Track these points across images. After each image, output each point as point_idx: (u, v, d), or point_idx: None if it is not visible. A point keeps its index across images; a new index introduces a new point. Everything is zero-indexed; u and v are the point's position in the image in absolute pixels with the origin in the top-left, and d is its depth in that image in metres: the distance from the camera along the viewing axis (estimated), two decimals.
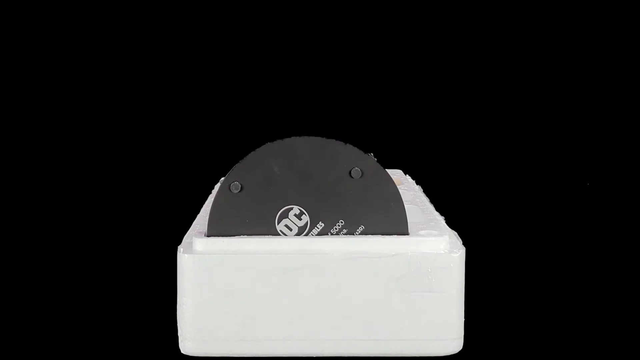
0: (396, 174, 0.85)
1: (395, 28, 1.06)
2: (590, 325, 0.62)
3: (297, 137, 0.55)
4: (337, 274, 0.54)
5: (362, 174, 0.55)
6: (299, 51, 1.06)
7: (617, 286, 0.71)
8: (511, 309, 0.65)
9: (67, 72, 1.03)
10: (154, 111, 1.05)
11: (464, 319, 0.55)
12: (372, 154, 0.57)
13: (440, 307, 0.54)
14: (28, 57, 1.03)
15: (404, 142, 1.04)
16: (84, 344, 0.58)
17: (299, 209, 0.55)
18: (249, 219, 0.55)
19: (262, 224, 0.55)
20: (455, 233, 0.59)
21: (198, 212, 0.66)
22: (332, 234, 0.56)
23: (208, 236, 0.55)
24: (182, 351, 0.55)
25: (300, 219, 0.56)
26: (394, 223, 0.55)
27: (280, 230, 0.56)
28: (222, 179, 0.58)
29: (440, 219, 0.63)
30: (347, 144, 0.55)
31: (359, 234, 0.55)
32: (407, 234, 0.55)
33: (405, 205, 0.56)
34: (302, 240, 0.55)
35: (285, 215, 0.55)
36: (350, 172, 0.55)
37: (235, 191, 0.55)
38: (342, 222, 0.55)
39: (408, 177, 0.85)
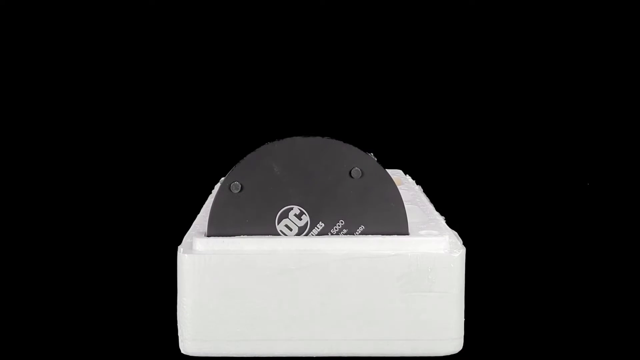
0: (396, 174, 0.85)
1: (395, 28, 1.06)
2: (590, 325, 0.62)
3: (297, 137, 0.55)
4: (337, 274, 0.54)
5: (362, 174, 0.55)
6: (299, 51, 1.06)
7: (617, 286, 0.71)
8: (511, 309, 0.65)
9: (67, 72, 1.04)
10: (154, 111, 1.05)
11: (464, 319, 0.55)
12: (372, 154, 0.57)
13: (441, 307, 0.54)
14: (28, 57, 1.03)
15: (404, 142, 1.04)
16: (84, 344, 0.58)
17: (299, 209, 0.55)
18: (249, 219, 0.55)
19: (262, 224, 0.55)
20: (455, 233, 0.59)
21: (198, 212, 0.66)
22: (332, 234, 0.56)
23: (208, 236, 0.55)
24: (182, 351, 0.55)
25: (301, 219, 0.56)
26: (394, 223, 0.55)
27: (280, 230, 0.56)
28: (222, 179, 0.58)
29: (440, 219, 0.63)
30: (347, 144, 0.55)
31: (359, 234, 0.55)
32: (407, 234, 0.55)
33: (405, 205, 0.56)
34: (302, 240, 0.55)
35: (285, 215, 0.56)
36: (350, 172, 0.55)
37: (235, 191, 0.55)
38: (342, 222, 0.55)
39: (408, 177, 0.85)
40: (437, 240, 0.55)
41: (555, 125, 1.04)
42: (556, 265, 0.77)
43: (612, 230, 0.87)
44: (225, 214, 0.55)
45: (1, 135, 1.03)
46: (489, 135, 1.05)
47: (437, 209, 0.69)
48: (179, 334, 0.55)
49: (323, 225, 0.56)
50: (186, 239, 0.57)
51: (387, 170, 0.56)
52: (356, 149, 0.55)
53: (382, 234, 0.55)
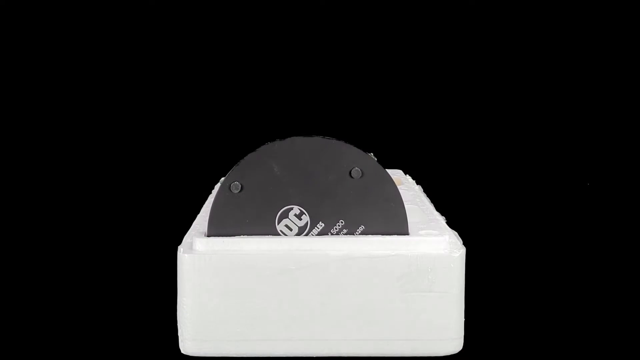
0: (396, 174, 0.85)
1: (395, 28, 1.06)
2: (590, 325, 0.62)
3: (297, 137, 0.55)
4: (337, 274, 0.54)
5: (362, 174, 0.55)
6: (299, 51, 1.06)
7: (617, 286, 0.71)
8: (511, 309, 0.65)
9: (67, 72, 1.04)
10: (154, 111, 1.05)
11: (464, 319, 0.55)
12: (372, 154, 0.57)
13: (441, 307, 0.54)
14: (28, 57, 1.03)
15: (404, 142, 1.04)
16: (84, 344, 0.58)
17: (299, 209, 0.55)
18: (249, 219, 0.55)
19: (262, 224, 0.55)
20: (456, 233, 0.59)
21: (198, 212, 0.66)
22: (332, 234, 0.56)
23: (208, 236, 0.55)
24: (182, 351, 0.55)
25: (301, 219, 0.56)
26: (394, 223, 0.55)
27: (280, 230, 0.56)
28: (222, 179, 0.58)
29: (441, 219, 0.63)
30: (347, 144, 0.55)
31: (359, 234, 0.55)
32: (407, 234, 0.55)
33: (405, 205, 0.56)
34: (302, 240, 0.55)
35: (285, 215, 0.56)
36: (350, 172, 0.55)
37: (235, 191, 0.55)
38: (342, 222, 0.55)
39: (408, 177, 0.85)
40: (437, 240, 0.55)
41: (555, 125, 1.04)
42: (556, 265, 0.77)
43: (612, 230, 0.87)
44: (225, 214, 0.55)
45: (1, 135, 1.03)
46: (489, 135, 1.05)
47: (437, 209, 0.69)
48: (179, 334, 0.55)
49: (323, 225, 0.56)
50: (186, 239, 0.57)
51: (387, 170, 0.56)
52: (356, 149, 0.55)
53: (382, 234, 0.55)
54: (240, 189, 0.55)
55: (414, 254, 0.54)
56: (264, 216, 0.55)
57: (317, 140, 0.55)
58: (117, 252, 0.80)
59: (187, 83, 1.05)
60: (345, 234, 0.56)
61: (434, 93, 1.06)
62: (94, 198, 0.98)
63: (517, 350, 0.57)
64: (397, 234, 0.55)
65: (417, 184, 0.82)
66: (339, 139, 0.55)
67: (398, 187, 0.56)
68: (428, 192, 0.79)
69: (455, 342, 0.55)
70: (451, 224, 0.63)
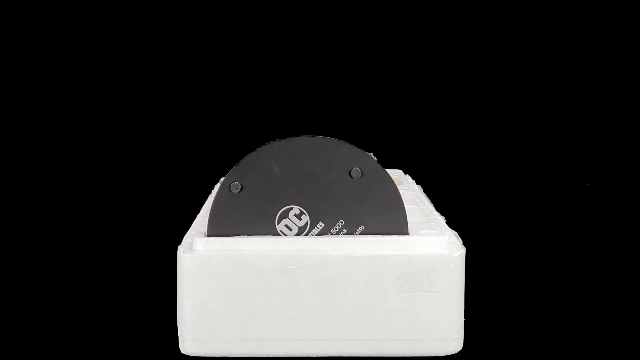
0: (396, 174, 0.85)
1: (395, 28, 1.06)
2: (590, 324, 0.62)
3: (297, 137, 0.55)
4: (337, 274, 0.54)
5: (362, 174, 0.55)
6: (299, 51, 1.06)
7: (617, 286, 0.71)
8: (511, 309, 0.65)
9: (67, 72, 1.04)
10: (154, 111, 1.05)
11: (464, 319, 0.55)
12: (372, 154, 0.57)
13: (440, 307, 0.54)
14: (28, 57, 1.03)
15: (404, 142, 1.04)
16: (84, 344, 0.58)
17: (299, 209, 0.55)
18: (249, 219, 0.55)
19: (262, 224, 0.55)
20: (455, 233, 0.59)
21: (198, 212, 0.66)
22: (332, 234, 0.56)
23: (208, 236, 0.55)
24: (182, 351, 0.55)
25: (300, 219, 0.56)
26: (394, 223, 0.55)
27: (280, 230, 0.56)
28: (222, 179, 0.58)
29: (441, 219, 0.63)
30: (347, 144, 0.55)
31: (359, 234, 0.55)
32: (407, 234, 0.55)
33: (405, 205, 0.56)
34: (302, 240, 0.55)
35: (285, 215, 0.56)
36: (350, 172, 0.55)
37: (235, 191, 0.55)
38: (342, 222, 0.55)
39: (408, 177, 0.85)
40: (437, 240, 0.55)
41: (555, 125, 1.04)
42: (556, 265, 0.77)
43: (612, 230, 0.87)
44: (225, 214, 0.55)
45: (1, 135, 1.03)
46: (489, 135, 1.05)
47: (437, 209, 0.69)
48: (179, 334, 0.55)
49: (323, 225, 0.56)
50: (186, 239, 0.57)
51: (387, 170, 0.56)
52: (356, 149, 0.55)
53: (382, 234, 0.55)
54: (240, 189, 0.55)
55: (414, 254, 0.54)
56: (263, 216, 0.55)
57: (317, 140, 0.55)
58: (117, 252, 0.80)
59: (187, 83, 1.05)
60: (345, 234, 0.56)
61: (434, 93, 1.06)
62: (94, 198, 0.98)
63: (517, 350, 0.57)
64: (397, 234, 0.55)
65: (417, 184, 0.82)
66: (339, 139, 0.55)
67: (398, 187, 0.56)
68: (428, 192, 0.79)
69: (455, 342, 0.55)
70: (451, 224, 0.63)
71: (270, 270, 0.54)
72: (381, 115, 1.06)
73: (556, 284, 0.71)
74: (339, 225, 0.56)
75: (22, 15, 1.03)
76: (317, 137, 0.55)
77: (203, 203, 0.70)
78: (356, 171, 0.55)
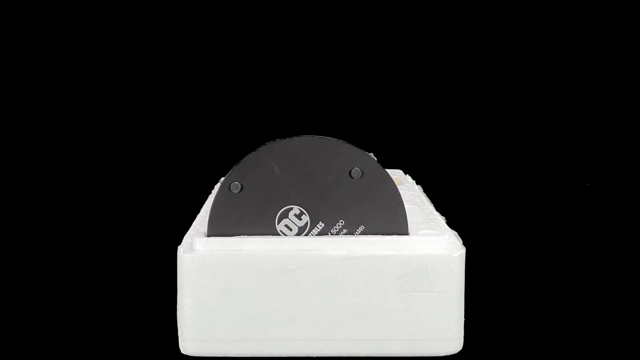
0: (396, 174, 0.85)
1: (395, 28, 1.06)
2: (590, 324, 0.62)
3: (297, 137, 0.55)
4: (337, 274, 0.54)
5: (362, 174, 0.55)
6: (299, 51, 1.06)
7: (617, 286, 0.71)
8: (511, 309, 0.65)
9: (67, 72, 1.04)
10: (154, 111, 1.05)
11: (464, 319, 0.55)
12: (372, 154, 0.57)
13: (440, 307, 0.54)
14: (28, 57, 1.03)
15: (404, 142, 1.04)
16: (84, 344, 0.58)
17: (299, 209, 0.55)
18: (249, 219, 0.55)
19: (262, 224, 0.55)
20: (455, 233, 0.59)
21: (198, 212, 0.66)
22: (332, 234, 0.56)
23: (208, 236, 0.55)
24: (182, 351, 0.55)
25: (300, 219, 0.56)
26: (394, 223, 0.55)
27: (280, 230, 0.56)
28: (222, 179, 0.58)
29: (440, 219, 0.63)
30: (347, 144, 0.55)
31: (359, 234, 0.55)
32: (407, 234, 0.55)
33: (405, 205, 0.56)
34: (302, 240, 0.55)
35: (285, 215, 0.56)
36: (350, 172, 0.55)
37: (235, 191, 0.55)
38: (342, 222, 0.55)
39: (408, 177, 0.85)
40: (437, 240, 0.55)
41: (555, 125, 1.04)
42: (556, 265, 0.77)
43: (612, 230, 0.87)
44: (225, 214, 0.55)
45: (1, 135, 1.03)
46: (489, 135, 1.05)
47: (437, 209, 0.69)
48: (179, 334, 0.55)
49: (323, 225, 0.56)
50: (186, 239, 0.57)
51: (387, 170, 0.56)
52: (356, 149, 0.55)
53: (382, 234, 0.55)
54: (240, 189, 0.55)
55: (414, 254, 0.54)
56: (263, 216, 0.55)
57: (317, 140, 0.55)
58: (118, 252, 0.80)
59: (187, 83, 1.05)
60: (345, 234, 0.56)
61: (434, 93, 1.06)
62: (94, 198, 0.98)
63: (517, 350, 0.57)
64: (397, 234, 0.55)
65: (417, 184, 0.82)
66: (339, 139, 0.55)
67: (398, 187, 0.56)
68: (428, 192, 0.79)
69: (455, 342, 0.55)
70: (451, 224, 0.63)
71: (270, 270, 0.54)
72: (381, 115, 1.06)
73: (556, 284, 0.71)
74: (339, 225, 0.56)
75: (22, 15, 1.03)
76: (317, 137, 0.55)
77: (203, 203, 0.70)
78: (356, 171, 0.55)
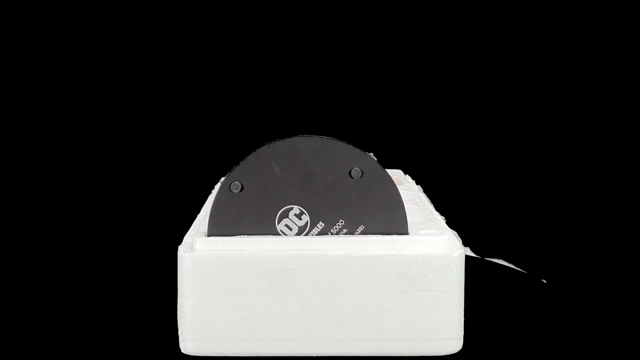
0: (396, 174, 0.85)
1: (395, 28, 1.06)
2: (590, 324, 0.62)
3: (297, 137, 0.55)
4: (337, 274, 0.54)
5: (362, 174, 0.55)
6: (299, 51, 1.06)
7: (617, 286, 0.71)
8: (511, 309, 0.65)
9: (67, 72, 1.04)
10: (154, 111, 1.05)
11: (463, 319, 0.55)
12: (372, 154, 0.57)
13: (440, 307, 0.54)
14: (28, 57, 1.03)
15: (404, 142, 1.04)
16: (84, 344, 0.58)
17: (299, 209, 0.56)
18: (249, 219, 0.55)
19: (262, 224, 0.55)
20: (455, 233, 0.59)
21: (198, 212, 0.66)
22: (332, 234, 0.56)
23: (208, 236, 0.55)
24: (183, 351, 0.55)
25: (301, 219, 0.56)
26: (394, 223, 0.55)
27: (281, 230, 0.56)
28: (222, 179, 0.58)
29: (440, 219, 0.63)
30: (347, 144, 0.55)
31: (359, 234, 0.55)
32: (407, 234, 0.55)
33: (405, 205, 0.56)
34: (302, 240, 0.55)
35: (285, 215, 0.56)
36: (350, 172, 0.55)
37: (236, 191, 0.55)
38: (342, 222, 0.56)
39: (408, 177, 0.85)
40: (436, 240, 0.55)
41: (555, 125, 1.04)
42: (556, 265, 0.77)
43: (612, 230, 0.87)
44: (225, 214, 0.55)
45: (1, 135, 1.03)
46: (489, 135, 1.05)
47: (437, 209, 0.69)
48: (179, 333, 0.55)
49: (323, 225, 0.56)
50: (186, 239, 0.57)
51: (387, 170, 0.56)
52: (356, 149, 0.55)
53: (382, 234, 0.55)
54: (240, 189, 0.55)
55: (413, 254, 0.54)
56: (264, 216, 0.55)
57: (317, 140, 0.55)
58: (118, 252, 0.80)
59: (187, 83, 1.05)
60: (345, 233, 0.56)
61: (434, 93, 1.06)
62: (94, 198, 0.98)
63: (517, 350, 0.58)
64: (397, 234, 0.55)
65: (417, 184, 0.82)
66: (339, 139, 0.55)
67: (398, 187, 0.56)
68: (428, 192, 0.79)
69: (454, 342, 0.55)
70: (451, 224, 0.63)
71: (270, 270, 0.54)
72: (381, 115, 1.06)
73: (556, 284, 0.71)
74: (339, 225, 0.56)
75: (22, 15, 1.03)
76: (317, 137, 0.55)
77: (203, 203, 0.70)
78: (356, 171, 0.55)
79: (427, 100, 1.06)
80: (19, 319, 0.63)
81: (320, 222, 0.56)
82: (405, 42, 1.06)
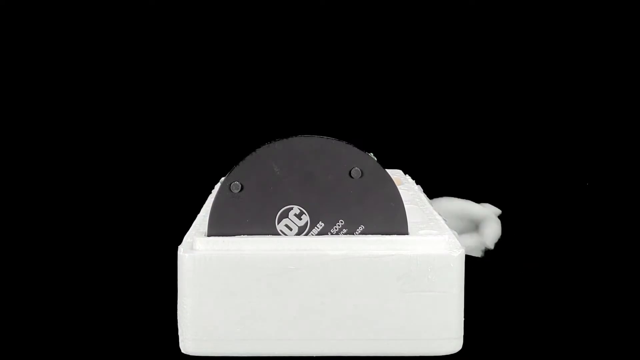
0: (396, 174, 0.85)
1: (395, 28, 1.06)
2: (590, 324, 0.62)
3: (297, 137, 0.55)
4: (337, 274, 0.54)
5: (362, 174, 0.55)
6: (299, 51, 1.06)
7: (617, 286, 0.71)
8: (511, 309, 0.65)
9: (67, 72, 1.04)
10: (154, 111, 1.05)
11: (463, 319, 0.55)
12: (372, 154, 0.57)
13: (440, 307, 0.54)
14: (28, 57, 1.03)
15: (404, 142, 1.05)
16: (84, 343, 0.58)
17: (299, 209, 0.56)
18: (249, 219, 0.55)
19: (262, 224, 0.55)
20: (455, 233, 0.59)
21: (198, 212, 0.66)
22: (332, 234, 0.56)
23: (208, 236, 0.55)
24: (183, 351, 0.55)
25: (300, 219, 0.56)
26: (394, 223, 0.55)
27: (280, 230, 0.56)
28: (222, 179, 0.58)
29: (440, 219, 0.63)
30: (347, 144, 0.55)
31: (359, 234, 0.55)
32: (407, 234, 0.55)
33: (405, 205, 0.56)
34: (302, 240, 0.55)
35: (285, 215, 0.56)
36: (350, 172, 0.55)
37: (236, 191, 0.55)
38: (342, 222, 0.56)
39: (408, 177, 0.85)
40: (436, 240, 0.55)
41: (555, 125, 1.04)
42: (556, 264, 0.77)
43: (612, 230, 0.87)
44: (225, 214, 0.55)
45: (1, 135, 1.03)
46: (489, 135, 1.05)
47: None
48: (179, 333, 0.55)
49: (323, 225, 0.56)
50: (186, 238, 0.57)
51: (387, 170, 0.56)
52: (356, 149, 0.55)
53: (382, 233, 0.55)
54: (240, 189, 0.55)
55: (413, 254, 0.54)
56: (264, 216, 0.55)
57: (317, 140, 0.55)
58: (118, 252, 0.80)
59: (187, 83, 1.05)
60: (345, 233, 0.56)
61: (434, 93, 1.06)
62: (94, 198, 0.98)
63: (517, 350, 0.58)
64: (397, 234, 0.55)
65: (417, 184, 0.82)
66: (339, 139, 0.55)
67: (398, 187, 0.56)
68: (428, 192, 0.79)
69: (454, 342, 0.55)
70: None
71: (270, 270, 0.54)
72: (381, 115, 1.06)
73: (556, 284, 0.71)
74: (339, 225, 0.56)
75: (22, 15, 1.03)
76: (317, 137, 0.55)
77: (203, 203, 0.70)
78: (356, 171, 0.55)
79: (427, 100, 1.06)
80: (19, 319, 0.63)
81: (320, 222, 0.56)
82: (405, 42, 1.06)
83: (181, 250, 0.55)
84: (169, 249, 0.59)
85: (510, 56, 1.05)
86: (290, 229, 0.56)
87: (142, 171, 1.03)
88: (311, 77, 1.06)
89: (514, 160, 1.04)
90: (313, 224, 0.56)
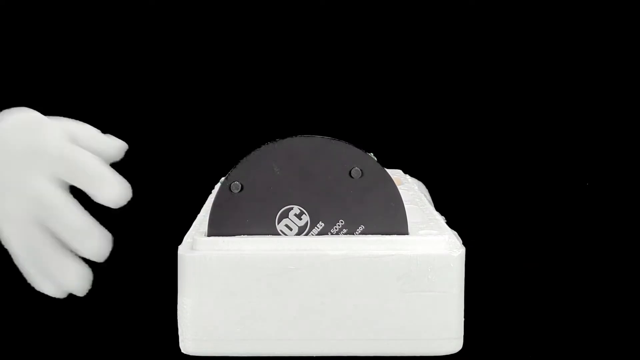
0: (396, 174, 0.85)
1: (395, 28, 1.06)
2: (590, 324, 0.62)
3: (297, 137, 0.55)
4: (337, 274, 0.54)
5: (362, 174, 0.55)
6: (299, 51, 1.06)
7: (617, 286, 0.71)
8: (511, 309, 0.65)
9: (67, 72, 1.03)
10: (153, 111, 1.05)
11: (463, 319, 0.55)
12: (372, 154, 0.57)
13: (440, 307, 0.54)
14: (28, 57, 1.03)
15: (404, 142, 1.04)
16: (84, 343, 0.58)
17: (299, 209, 0.56)
18: (249, 219, 0.55)
19: (262, 224, 0.55)
20: (455, 233, 0.59)
21: (198, 212, 0.66)
22: (332, 234, 0.56)
23: (208, 236, 0.55)
24: (183, 351, 0.55)
25: (301, 219, 0.56)
26: (394, 223, 0.55)
27: (281, 230, 0.56)
28: (222, 179, 0.58)
29: (440, 219, 0.63)
30: (347, 144, 0.55)
31: (359, 234, 0.55)
32: (407, 234, 0.55)
33: (405, 205, 0.56)
34: (302, 240, 0.55)
35: (285, 215, 0.56)
36: (350, 172, 0.55)
37: (236, 191, 0.55)
38: (342, 222, 0.56)
39: (408, 177, 0.85)
40: (436, 240, 0.55)
41: (555, 125, 1.04)
42: (556, 264, 0.77)
43: (612, 230, 0.87)
44: (225, 214, 0.55)
45: None
46: (489, 135, 1.05)
47: (437, 209, 0.69)
48: (179, 333, 0.55)
49: (323, 225, 0.56)
50: (186, 239, 0.57)
51: (387, 170, 0.56)
52: (356, 149, 0.55)
53: (382, 233, 0.55)
54: (240, 189, 0.55)
55: (413, 254, 0.54)
56: (264, 216, 0.55)
57: (317, 140, 0.55)
58: (117, 252, 0.80)
59: (187, 83, 1.05)
60: (345, 233, 0.56)
61: (434, 93, 1.06)
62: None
63: (517, 350, 0.57)
64: (397, 234, 0.55)
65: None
66: (339, 139, 0.55)
67: (398, 187, 0.56)
68: (428, 192, 0.78)
69: (454, 342, 0.55)
70: (451, 224, 0.63)
71: (270, 270, 0.54)
72: (381, 115, 1.06)
73: (556, 284, 0.71)
74: (339, 225, 0.56)
75: (22, 15, 1.03)
76: (317, 137, 0.55)
77: (203, 203, 0.70)
78: (356, 171, 0.55)
79: (427, 100, 1.06)
80: (19, 318, 0.63)
81: (320, 222, 0.56)
82: (405, 42, 1.06)
83: (181, 250, 0.55)
84: (169, 249, 0.59)
85: (510, 56, 1.05)
86: (291, 229, 0.56)
87: (142, 171, 1.02)
88: (311, 77, 1.06)
89: (514, 161, 1.04)
90: (313, 224, 0.56)
